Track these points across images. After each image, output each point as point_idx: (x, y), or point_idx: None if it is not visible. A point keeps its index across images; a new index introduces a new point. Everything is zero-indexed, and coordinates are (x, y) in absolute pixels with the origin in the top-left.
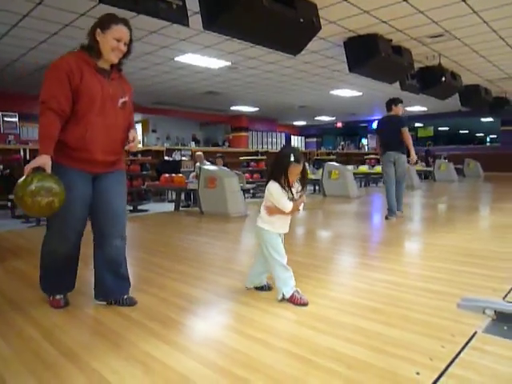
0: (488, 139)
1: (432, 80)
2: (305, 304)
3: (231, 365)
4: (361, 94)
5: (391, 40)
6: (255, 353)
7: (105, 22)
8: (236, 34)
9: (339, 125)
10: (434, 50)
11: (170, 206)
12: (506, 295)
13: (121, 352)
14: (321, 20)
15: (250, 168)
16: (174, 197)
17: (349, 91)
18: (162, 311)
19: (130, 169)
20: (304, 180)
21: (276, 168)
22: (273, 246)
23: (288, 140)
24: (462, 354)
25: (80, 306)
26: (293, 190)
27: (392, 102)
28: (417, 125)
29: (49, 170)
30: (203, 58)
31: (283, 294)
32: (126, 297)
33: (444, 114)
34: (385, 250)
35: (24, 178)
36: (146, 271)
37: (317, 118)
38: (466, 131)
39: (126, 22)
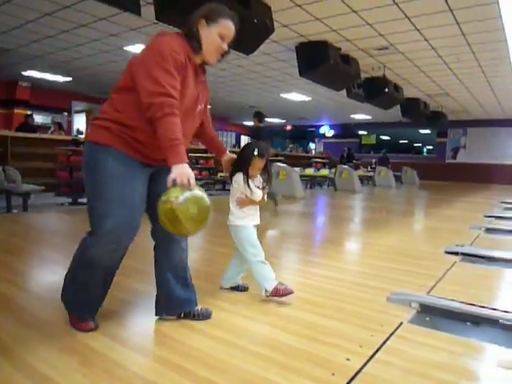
0: (425, 149)
1: (376, 90)
2: (290, 293)
3: (172, 355)
4: (310, 98)
5: (340, 49)
6: (195, 342)
7: (213, 13)
8: None
9: (289, 127)
10: (380, 62)
11: None
12: (430, 290)
13: (55, 343)
14: (274, 23)
15: (199, 165)
16: None
17: (299, 95)
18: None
19: (71, 160)
20: (268, 177)
21: (240, 161)
22: (250, 241)
23: (238, 138)
24: (388, 342)
25: (13, 298)
26: (251, 184)
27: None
28: (361, 132)
29: (194, 182)
30: None
31: (266, 289)
32: (200, 308)
33: (386, 124)
34: (326, 247)
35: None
36: None
37: (267, 120)
38: (406, 141)
39: (233, 17)
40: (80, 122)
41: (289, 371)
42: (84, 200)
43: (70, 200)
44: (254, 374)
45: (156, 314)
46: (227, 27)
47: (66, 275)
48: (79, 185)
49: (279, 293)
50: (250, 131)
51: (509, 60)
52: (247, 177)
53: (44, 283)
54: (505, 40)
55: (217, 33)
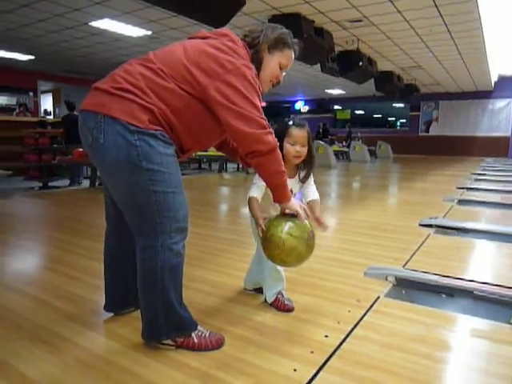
0: (398, 123)
1: (350, 64)
2: (289, 310)
3: (141, 340)
4: (284, 73)
5: (314, 21)
6: None
7: (279, 41)
8: (157, 0)
9: (263, 104)
10: (353, 35)
11: (86, 183)
12: (405, 263)
13: (23, 333)
14: None
15: None
16: (89, 173)
17: None
18: (72, 290)
19: (38, 142)
20: (310, 160)
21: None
22: None
23: None
24: (365, 317)
25: None
26: (290, 181)
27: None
28: (336, 107)
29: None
30: (121, 24)
31: (266, 299)
32: None
33: (360, 98)
34: None
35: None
36: (55, 249)
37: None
38: (380, 115)
39: (296, 47)
40: (47, 103)
41: (266, 351)
42: (56, 184)
43: (41, 184)
44: (230, 355)
45: (129, 307)
46: (290, 58)
47: (151, 312)
48: (50, 168)
49: (280, 306)
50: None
51: (481, 32)
52: (292, 153)
53: (13, 272)
54: (477, 11)
55: (278, 62)
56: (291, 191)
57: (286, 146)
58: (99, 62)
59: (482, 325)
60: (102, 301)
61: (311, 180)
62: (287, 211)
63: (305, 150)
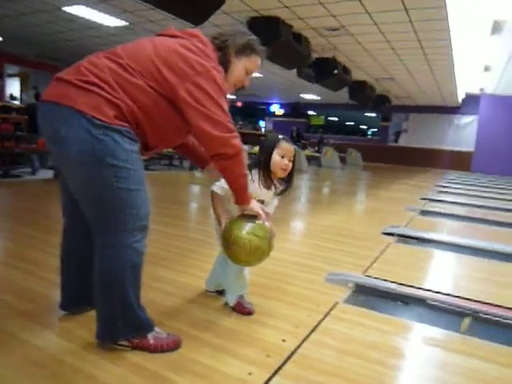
0: (370, 132)
1: (326, 71)
2: (249, 313)
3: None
4: (261, 75)
5: (292, 26)
6: None
7: (247, 47)
8: None
9: (239, 104)
10: (330, 43)
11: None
12: (365, 270)
13: None
14: None
15: None
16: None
17: None
18: (28, 286)
19: (0, 128)
20: (291, 175)
21: (260, 149)
22: None
23: None
24: (323, 322)
25: None
26: (264, 192)
27: None
28: (310, 112)
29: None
30: (96, 12)
31: (227, 302)
32: None
33: (334, 105)
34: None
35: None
36: (13, 242)
37: None
38: (352, 123)
39: (263, 55)
40: (14, 87)
41: (223, 353)
42: (20, 171)
43: (1, 172)
44: (186, 357)
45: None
46: (256, 64)
47: (107, 310)
48: (12, 156)
49: (240, 310)
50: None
51: (450, 51)
52: (266, 172)
53: None
54: (447, 31)
55: (244, 67)
56: (262, 202)
57: (275, 157)
58: (73, 49)
59: (435, 333)
60: (59, 298)
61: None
62: (246, 212)
63: (291, 164)
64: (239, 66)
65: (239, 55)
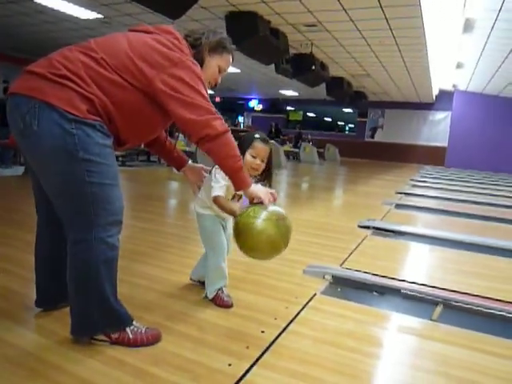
0: (347, 128)
1: (304, 67)
2: (228, 306)
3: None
4: (239, 71)
5: (270, 22)
6: None
7: (219, 45)
8: None
9: (218, 99)
10: (308, 39)
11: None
12: (342, 262)
13: None
14: None
15: None
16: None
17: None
18: (2, 284)
19: None
20: (268, 174)
21: (241, 145)
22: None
23: None
24: (301, 313)
25: None
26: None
27: None
28: (289, 108)
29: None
30: (70, 4)
31: (206, 294)
32: None
33: (312, 101)
34: None
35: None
36: None
37: None
38: (330, 119)
39: (233, 54)
40: None
41: (203, 346)
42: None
43: None
44: (166, 351)
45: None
46: (228, 62)
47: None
48: None
49: (219, 302)
50: None
51: (425, 48)
52: (251, 165)
53: None
54: (422, 29)
55: (217, 65)
56: (240, 196)
57: (247, 156)
58: (47, 42)
59: (409, 321)
60: (34, 295)
61: None
62: (255, 200)
63: (263, 165)
64: (212, 63)
65: (212, 53)
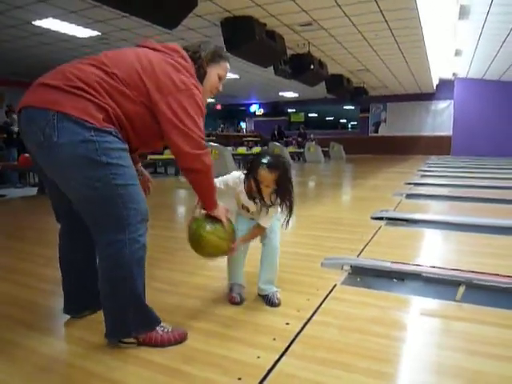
0: (350, 125)
1: (302, 67)
2: (234, 303)
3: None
4: (238, 77)
5: (265, 24)
6: None
7: (216, 55)
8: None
9: (218, 107)
10: (304, 38)
11: (34, 191)
12: (359, 253)
13: None
14: None
15: None
16: (36, 180)
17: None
18: (26, 297)
19: None
20: (283, 193)
21: (249, 167)
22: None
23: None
24: (323, 304)
25: None
26: (250, 203)
27: None
28: (289, 110)
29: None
30: (67, 24)
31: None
32: None
33: (313, 101)
34: None
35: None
36: (5, 258)
37: None
38: (332, 117)
39: (229, 60)
40: None
41: (230, 341)
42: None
43: None
44: (194, 348)
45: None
46: (226, 69)
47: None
48: None
49: (229, 298)
50: None
51: (422, 38)
52: (256, 191)
53: None
54: (418, 20)
55: (216, 73)
56: (248, 210)
57: (252, 182)
58: (45, 64)
59: (432, 304)
60: (58, 306)
61: (273, 213)
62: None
63: (268, 190)
64: (212, 73)
65: (211, 64)
